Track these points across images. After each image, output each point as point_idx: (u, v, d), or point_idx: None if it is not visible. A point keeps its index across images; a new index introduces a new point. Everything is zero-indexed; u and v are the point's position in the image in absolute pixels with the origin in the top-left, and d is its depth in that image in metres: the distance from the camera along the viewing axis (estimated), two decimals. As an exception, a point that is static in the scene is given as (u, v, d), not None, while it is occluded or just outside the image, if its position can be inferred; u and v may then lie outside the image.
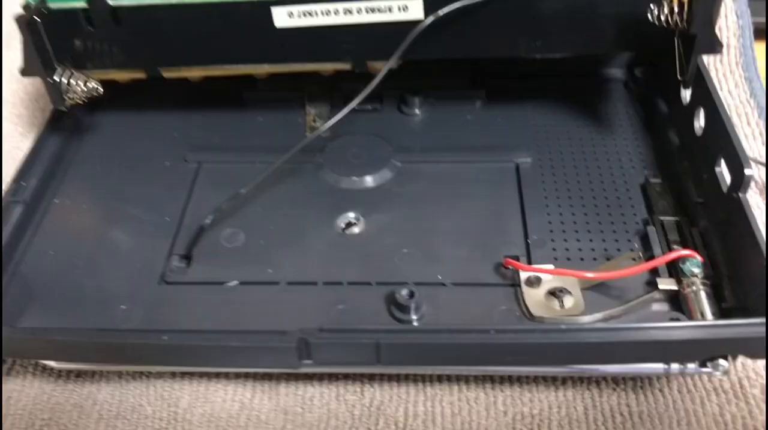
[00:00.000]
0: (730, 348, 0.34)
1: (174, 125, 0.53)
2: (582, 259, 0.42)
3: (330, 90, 0.53)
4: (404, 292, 0.39)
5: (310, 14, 0.44)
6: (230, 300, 0.41)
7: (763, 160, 0.49)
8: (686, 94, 0.46)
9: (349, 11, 0.44)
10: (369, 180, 0.48)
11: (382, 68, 0.47)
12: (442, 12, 0.42)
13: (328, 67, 0.48)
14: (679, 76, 0.43)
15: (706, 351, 0.35)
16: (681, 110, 0.47)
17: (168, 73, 0.48)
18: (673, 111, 0.49)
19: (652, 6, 0.42)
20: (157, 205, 0.47)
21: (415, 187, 0.47)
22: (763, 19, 0.57)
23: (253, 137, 0.52)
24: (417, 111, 0.53)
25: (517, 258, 0.42)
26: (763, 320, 0.33)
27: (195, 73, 0.48)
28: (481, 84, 0.53)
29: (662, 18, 0.42)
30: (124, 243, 0.45)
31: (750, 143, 0.50)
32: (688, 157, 0.46)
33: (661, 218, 0.43)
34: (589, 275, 0.39)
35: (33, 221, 0.46)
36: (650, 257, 0.41)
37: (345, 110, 0.46)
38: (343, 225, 0.45)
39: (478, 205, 0.46)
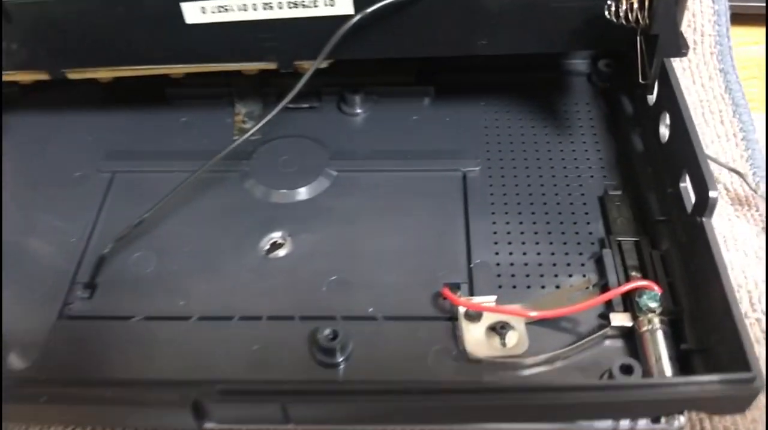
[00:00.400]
0: (686, 406, 0.30)
1: (88, 127, 0.47)
2: (529, 286, 0.38)
3: (261, 86, 0.48)
4: (327, 332, 0.35)
5: (225, 9, 0.39)
6: (136, 338, 0.37)
7: (740, 166, 0.44)
8: (651, 95, 0.42)
9: (269, 6, 0.39)
10: (300, 193, 0.43)
11: (308, 66, 0.42)
12: (371, 9, 0.37)
13: (250, 66, 0.43)
14: (641, 80, 0.38)
15: (660, 409, 0.31)
16: (646, 111, 0.43)
17: (73, 75, 0.43)
18: (639, 112, 0.44)
19: (609, 1, 0.37)
20: (63, 224, 0.42)
21: (351, 201, 0.42)
22: (744, 3, 0.52)
23: (175, 141, 0.46)
24: (358, 110, 0.47)
25: (458, 286, 0.38)
26: (722, 377, 0.29)
27: (103, 74, 0.43)
28: (429, 79, 0.48)
29: (621, 14, 0.37)
30: (24, 270, 0.40)
31: (723, 145, 0.46)
32: (652, 166, 0.41)
33: (619, 238, 0.39)
34: (533, 314, 0.35)
35: None
36: (605, 285, 0.37)
37: (271, 114, 0.41)
38: (267, 247, 0.40)
39: (418, 222, 0.41)
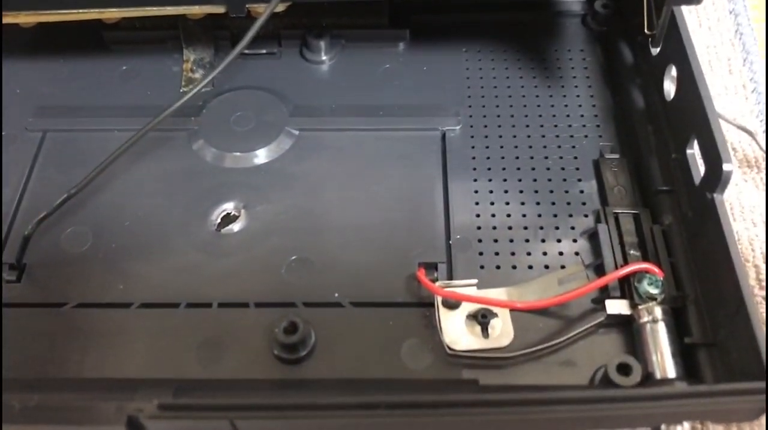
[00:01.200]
0: (693, 418, 0.27)
1: (14, 77, 0.41)
2: (514, 266, 0.34)
3: (212, 29, 0.42)
4: (285, 325, 0.31)
5: (159, -59, 0.33)
6: (68, 329, 0.32)
7: (749, 123, 0.40)
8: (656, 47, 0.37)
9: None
10: (256, 156, 0.38)
11: (261, 10, 0.36)
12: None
13: (195, 10, 0.37)
14: (646, 30, 0.33)
15: (661, 420, 0.27)
16: (649, 63, 0.38)
17: (8, 20, 0.37)
18: (640, 62, 0.39)
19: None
20: (-15, 192, 0.37)
21: (314, 166, 0.37)
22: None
23: (114, 93, 0.41)
24: (323, 57, 0.42)
25: (434, 267, 0.33)
26: (735, 387, 0.26)
27: (24, 19, 0.37)
28: (403, 21, 0.42)
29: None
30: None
31: (731, 99, 0.41)
32: (655, 127, 0.36)
33: (616, 211, 0.34)
34: (519, 305, 0.31)
35: None
36: (599, 265, 0.33)
37: (223, 64, 0.36)
38: (218, 220, 0.36)
39: (390, 191, 0.36)
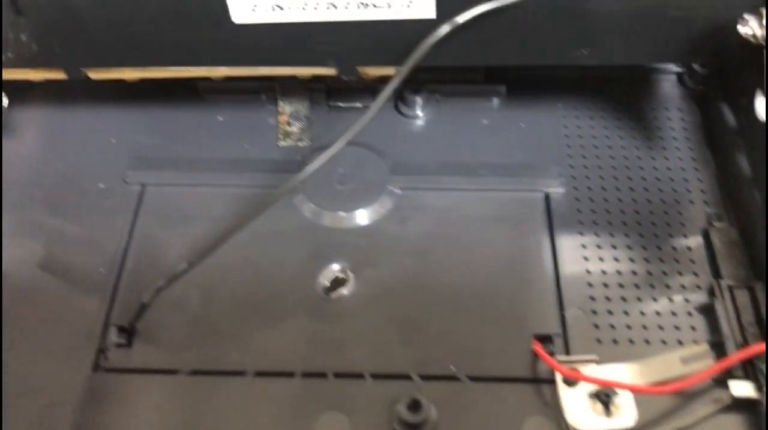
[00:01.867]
0: None
1: (111, 126, 0.41)
2: (632, 340, 0.33)
3: (308, 80, 0.42)
4: (407, 402, 0.30)
5: (280, 8, 0.33)
6: (183, 398, 0.32)
7: None
8: (763, 108, 0.36)
9: (333, 5, 0.32)
10: (360, 216, 0.38)
11: (374, 73, 0.36)
12: (464, 18, 0.31)
13: (305, 72, 0.36)
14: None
15: None
16: (754, 126, 0.37)
17: (95, 75, 0.36)
18: (744, 125, 0.39)
19: (746, 17, 0.31)
20: (88, 250, 0.36)
21: (418, 228, 0.37)
22: None
23: (211, 145, 0.40)
24: (419, 112, 0.41)
25: (550, 339, 0.33)
26: None
27: (130, 74, 0.37)
28: (499, 76, 0.42)
29: (757, 34, 0.31)
30: (45, 307, 0.35)
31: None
32: (765, 194, 0.36)
33: (730, 283, 0.34)
34: (647, 388, 0.30)
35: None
36: (718, 343, 0.33)
37: (356, 127, 0.34)
38: (327, 283, 0.35)
39: (497, 254, 0.36)
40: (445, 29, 0.31)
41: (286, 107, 0.41)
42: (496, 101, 0.42)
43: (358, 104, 0.42)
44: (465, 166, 0.39)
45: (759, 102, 0.36)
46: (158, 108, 0.42)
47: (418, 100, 0.41)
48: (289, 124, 0.41)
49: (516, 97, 0.42)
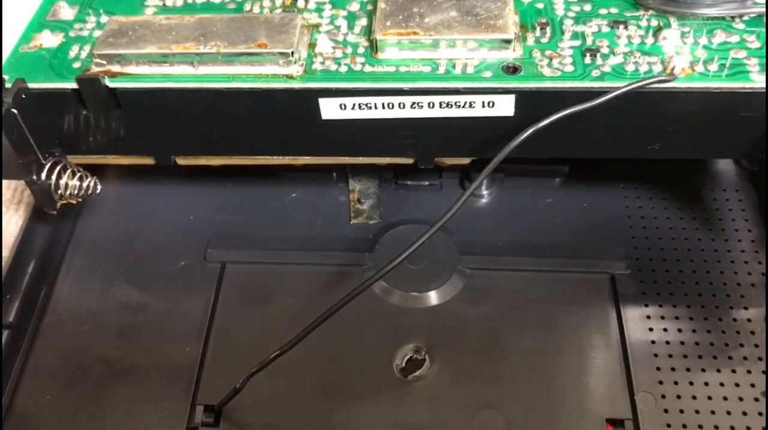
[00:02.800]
0: None
1: (189, 203, 0.43)
2: (701, 426, 0.34)
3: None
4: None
5: (368, 107, 0.34)
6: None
7: None
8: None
9: (418, 105, 0.34)
10: (433, 296, 0.39)
11: (450, 162, 0.38)
12: (545, 122, 0.32)
13: (384, 161, 0.38)
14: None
15: None
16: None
17: (184, 161, 0.38)
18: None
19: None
20: (171, 328, 0.38)
21: (489, 308, 0.38)
22: None
23: (286, 222, 0.42)
24: (484, 191, 0.43)
25: (621, 423, 0.34)
26: None
27: (216, 161, 0.39)
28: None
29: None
30: (130, 385, 0.36)
31: None
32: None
33: (796, 371, 0.35)
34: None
35: (21, 346, 0.38)
36: (786, 431, 0.34)
37: (454, 209, 0.34)
38: (403, 364, 0.37)
39: (566, 337, 0.37)
40: (528, 132, 0.32)
41: (356, 185, 0.43)
42: (557, 180, 0.43)
43: (426, 182, 0.43)
44: (531, 247, 0.41)
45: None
46: (233, 185, 0.44)
47: (484, 179, 0.43)
48: (359, 202, 0.43)
49: (578, 176, 0.44)
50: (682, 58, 0.33)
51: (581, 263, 0.40)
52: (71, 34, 0.37)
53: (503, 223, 0.42)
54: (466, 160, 0.39)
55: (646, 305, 0.38)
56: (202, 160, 0.38)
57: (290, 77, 0.34)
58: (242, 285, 0.40)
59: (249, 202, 0.43)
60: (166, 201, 0.43)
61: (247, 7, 0.37)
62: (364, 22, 0.36)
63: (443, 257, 0.40)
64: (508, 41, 0.34)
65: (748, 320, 0.38)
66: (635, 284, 0.39)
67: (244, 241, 0.41)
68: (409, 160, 0.37)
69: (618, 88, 0.32)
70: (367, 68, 0.34)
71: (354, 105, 0.34)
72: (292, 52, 0.34)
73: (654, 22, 0.35)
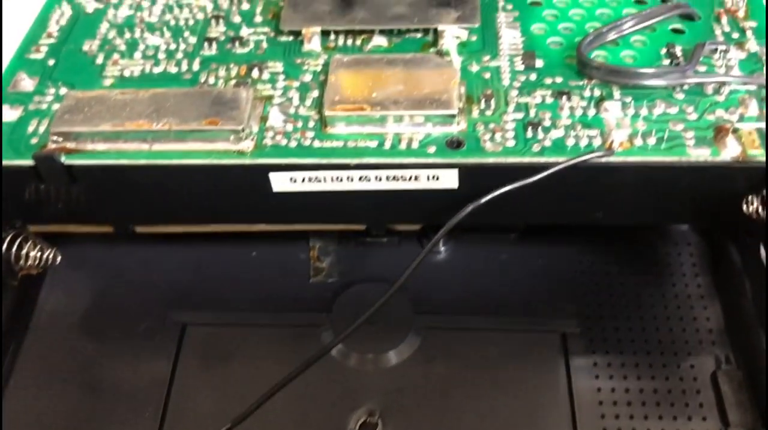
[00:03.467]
0: None
1: (149, 261, 0.44)
2: (645, 483, 0.36)
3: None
4: None
5: (317, 180, 0.35)
6: None
7: None
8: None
9: (365, 178, 0.35)
10: (389, 357, 0.40)
11: (401, 227, 0.39)
12: (484, 200, 0.33)
13: (335, 227, 0.39)
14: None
15: None
16: (760, 268, 0.39)
17: (142, 229, 0.39)
18: (749, 265, 0.41)
19: (749, 196, 0.33)
20: (131, 391, 0.39)
21: (443, 369, 0.39)
22: None
23: (248, 282, 0.43)
24: (441, 247, 0.44)
25: (568, 485, 0.35)
26: None
27: (173, 228, 0.40)
28: (516, 212, 0.45)
29: (761, 215, 0.33)
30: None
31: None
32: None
33: (738, 431, 0.36)
34: None
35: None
36: (728, 492, 0.35)
37: (400, 282, 0.36)
38: (356, 428, 0.38)
39: (517, 396, 0.38)
40: (468, 210, 0.33)
41: (316, 243, 0.44)
42: (514, 235, 0.44)
43: (384, 239, 0.44)
44: (486, 305, 0.42)
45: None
46: (194, 245, 0.44)
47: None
48: (319, 259, 0.44)
49: (534, 230, 0.44)
50: (621, 132, 0.34)
51: (533, 322, 0.41)
52: (30, 107, 0.38)
53: (459, 280, 0.43)
54: (417, 226, 0.40)
55: (595, 364, 0.39)
56: (160, 228, 0.39)
57: (241, 153, 0.35)
58: (202, 347, 0.41)
59: (210, 261, 0.44)
60: (128, 263, 0.44)
61: (202, 78, 0.39)
62: (315, 93, 0.37)
63: (399, 316, 0.41)
64: (452, 116, 0.35)
65: (694, 379, 0.38)
66: (585, 342, 0.40)
67: (204, 301, 0.42)
68: (361, 227, 0.38)
69: (557, 163, 0.33)
70: (317, 143, 0.35)
71: (304, 178, 0.35)
72: (243, 129, 0.35)
73: (597, 92, 0.36)
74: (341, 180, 0.35)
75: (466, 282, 0.43)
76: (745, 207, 0.33)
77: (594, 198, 0.35)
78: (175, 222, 0.38)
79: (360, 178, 0.35)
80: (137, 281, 0.43)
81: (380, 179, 0.35)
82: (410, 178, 0.35)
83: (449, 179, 0.35)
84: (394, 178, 0.35)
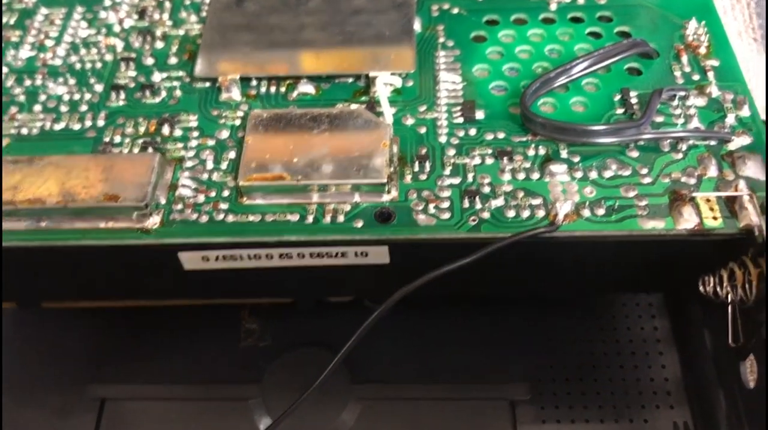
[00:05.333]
0: None
1: (70, 326, 0.40)
2: None
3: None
4: None
5: (233, 258, 0.32)
6: None
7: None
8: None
9: (287, 256, 0.32)
10: (323, 431, 0.37)
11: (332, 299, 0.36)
12: (413, 286, 0.30)
13: (263, 301, 0.36)
14: (731, 342, 0.32)
15: None
16: (720, 321, 0.37)
17: (49, 305, 0.36)
18: (708, 321, 0.38)
19: (706, 277, 0.30)
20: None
21: (383, 444, 0.37)
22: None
23: (171, 350, 0.40)
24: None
25: None
26: None
27: (84, 304, 0.36)
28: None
29: (720, 293, 0.30)
30: None
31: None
32: (729, 405, 0.36)
33: None
34: None
35: None
36: None
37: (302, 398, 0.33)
38: None
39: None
40: (395, 297, 0.30)
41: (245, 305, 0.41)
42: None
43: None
44: (431, 373, 0.38)
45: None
46: (116, 312, 0.41)
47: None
48: (248, 320, 0.40)
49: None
50: (566, 203, 0.31)
51: (481, 389, 0.38)
52: None
53: (402, 345, 0.39)
54: (347, 298, 0.36)
55: (546, 435, 0.37)
56: (69, 304, 0.36)
57: (145, 232, 0.31)
58: (121, 423, 0.37)
59: (133, 326, 0.40)
60: (46, 335, 0.40)
61: (107, 136, 0.35)
62: (232, 155, 0.34)
63: (335, 388, 0.38)
64: (381, 185, 0.31)
65: (650, 446, 0.36)
66: (535, 409, 0.37)
67: (125, 373, 0.39)
68: (288, 300, 0.35)
69: (494, 240, 0.30)
70: (230, 218, 0.31)
71: (218, 257, 0.32)
72: (146, 205, 0.31)
73: (542, 150, 0.33)
74: (260, 258, 0.32)
75: (410, 349, 0.39)
76: (701, 287, 0.30)
77: (537, 272, 0.32)
78: (83, 299, 0.35)
79: (281, 256, 0.32)
80: (56, 352, 0.40)
81: (303, 256, 0.32)
82: (337, 255, 0.32)
83: (379, 255, 0.31)
84: (318, 255, 0.31)
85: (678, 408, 0.37)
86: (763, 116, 0.34)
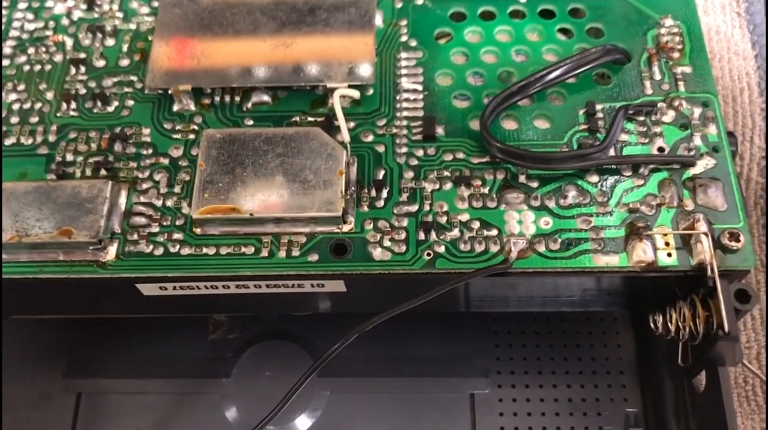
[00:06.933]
0: None
1: (46, 330, 0.41)
2: None
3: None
4: None
5: (190, 288, 0.32)
6: None
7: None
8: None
9: (244, 286, 0.32)
10: (291, 424, 0.39)
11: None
12: (369, 327, 0.30)
13: (223, 317, 0.36)
14: (680, 363, 0.33)
15: None
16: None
17: (17, 316, 0.36)
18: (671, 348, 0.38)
19: (656, 315, 0.30)
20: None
21: (347, 434, 0.39)
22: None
23: (144, 343, 0.40)
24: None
25: None
26: None
27: (50, 316, 0.36)
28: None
29: (670, 328, 0.31)
30: None
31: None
32: (677, 409, 0.37)
33: None
34: None
35: None
36: None
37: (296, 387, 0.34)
38: (257, 506, 0.37)
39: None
40: (354, 336, 0.31)
41: (216, 292, 0.41)
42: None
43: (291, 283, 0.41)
44: (394, 366, 0.39)
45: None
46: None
47: (347, 284, 0.41)
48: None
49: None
50: (520, 239, 0.31)
51: (442, 383, 0.39)
52: None
53: (368, 339, 0.40)
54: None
55: (502, 428, 0.38)
56: (35, 316, 0.36)
57: (101, 266, 0.31)
58: (98, 415, 0.39)
59: (104, 323, 0.41)
60: (21, 331, 0.41)
61: (58, 155, 0.34)
62: (186, 176, 0.33)
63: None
64: (336, 218, 0.31)
65: (605, 442, 0.38)
66: (493, 403, 0.39)
67: (100, 366, 0.40)
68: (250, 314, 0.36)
69: (448, 277, 0.30)
70: (185, 250, 0.31)
71: (175, 287, 0.32)
72: (100, 240, 0.31)
73: (500, 175, 0.32)
74: (216, 288, 0.32)
75: (375, 341, 0.40)
76: (652, 325, 0.31)
77: (493, 299, 0.33)
78: (50, 314, 0.36)
79: (237, 286, 0.32)
80: (32, 347, 0.40)
81: (260, 287, 0.32)
82: (293, 286, 0.32)
83: (336, 286, 0.32)
84: (275, 285, 0.32)
85: (632, 401, 0.39)
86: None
